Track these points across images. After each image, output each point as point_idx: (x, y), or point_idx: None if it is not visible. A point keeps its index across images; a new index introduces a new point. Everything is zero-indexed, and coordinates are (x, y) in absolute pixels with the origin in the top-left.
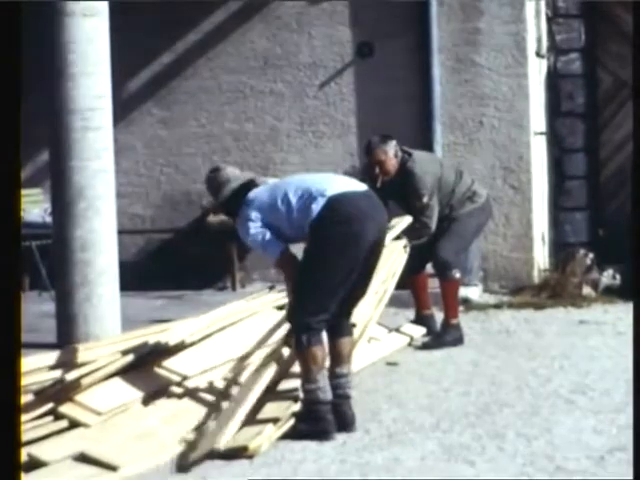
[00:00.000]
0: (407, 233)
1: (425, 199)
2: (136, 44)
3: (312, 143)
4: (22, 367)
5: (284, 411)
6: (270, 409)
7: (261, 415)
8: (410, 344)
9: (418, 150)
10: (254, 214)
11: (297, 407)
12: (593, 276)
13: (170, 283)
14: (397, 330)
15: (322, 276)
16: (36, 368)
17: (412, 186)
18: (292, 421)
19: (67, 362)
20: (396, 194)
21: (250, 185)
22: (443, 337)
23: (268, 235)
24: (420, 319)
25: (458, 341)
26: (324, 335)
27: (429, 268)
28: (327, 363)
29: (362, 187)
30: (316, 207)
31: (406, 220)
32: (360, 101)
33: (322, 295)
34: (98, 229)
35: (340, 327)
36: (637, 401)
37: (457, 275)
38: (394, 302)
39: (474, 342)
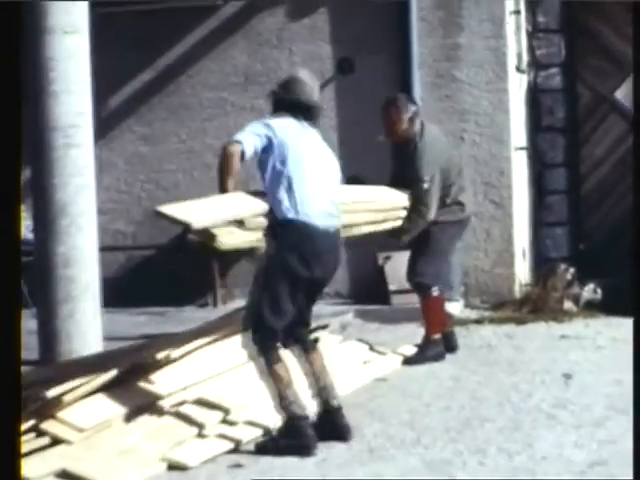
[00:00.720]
0: (400, 227)
1: (426, 185)
2: (117, 61)
3: None
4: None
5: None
6: None
7: None
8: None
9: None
10: (271, 131)
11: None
12: (574, 291)
13: (152, 300)
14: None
15: (270, 302)
16: None
17: (414, 167)
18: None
19: (49, 379)
20: (402, 164)
21: (302, 115)
22: (425, 352)
23: (256, 140)
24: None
25: (439, 356)
26: (286, 352)
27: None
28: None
29: (332, 220)
30: (284, 206)
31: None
32: (341, 117)
33: (272, 319)
34: (81, 246)
35: (305, 346)
36: (637, 402)
37: (435, 293)
38: (376, 317)
39: (455, 357)
